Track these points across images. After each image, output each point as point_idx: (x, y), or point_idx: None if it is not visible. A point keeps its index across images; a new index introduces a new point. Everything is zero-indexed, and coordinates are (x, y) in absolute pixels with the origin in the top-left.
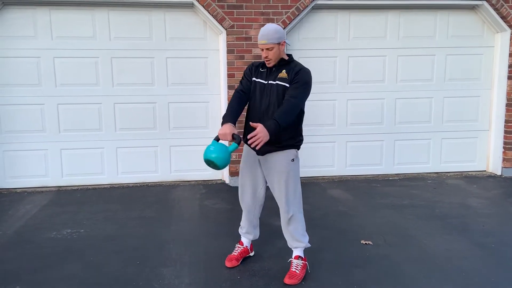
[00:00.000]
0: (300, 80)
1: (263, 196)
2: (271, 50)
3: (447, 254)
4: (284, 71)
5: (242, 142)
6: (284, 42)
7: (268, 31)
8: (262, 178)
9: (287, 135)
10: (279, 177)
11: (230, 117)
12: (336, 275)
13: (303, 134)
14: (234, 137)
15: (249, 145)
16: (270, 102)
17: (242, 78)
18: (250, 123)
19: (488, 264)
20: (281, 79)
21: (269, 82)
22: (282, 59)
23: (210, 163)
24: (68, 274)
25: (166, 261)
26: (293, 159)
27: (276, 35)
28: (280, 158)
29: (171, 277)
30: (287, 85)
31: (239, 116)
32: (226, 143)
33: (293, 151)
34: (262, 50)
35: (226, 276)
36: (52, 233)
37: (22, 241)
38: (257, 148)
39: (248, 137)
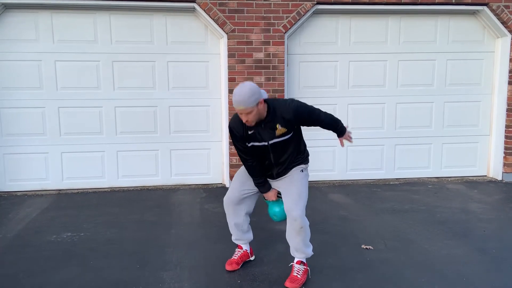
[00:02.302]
0: (302, 114)
1: (253, 205)
2: (250, 113)
3: (447, 259)
4: (278, 125)
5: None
6: (262, 100)
7: (243, 97)
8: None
9: (294, 158)
10: (289, 183)
11: (268, 184)
12: (336, 280)
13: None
14: (279, 196)
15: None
16: (285, 154)
17: (236, 146)
18: (340, 142)
19: (489, 270)
20: (282, 135)
21: (270, 142)
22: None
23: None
24: (68, 277)
25: (166, 265)
26: (302, 170)
27: (252, 98)
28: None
29: (171, 281)
30: (291, 132)
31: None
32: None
33: (302, 165)
34: (241, 114)
35: (226, 281)
36: (52, 236)
37: (22, 244)
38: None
39: (348, 137)
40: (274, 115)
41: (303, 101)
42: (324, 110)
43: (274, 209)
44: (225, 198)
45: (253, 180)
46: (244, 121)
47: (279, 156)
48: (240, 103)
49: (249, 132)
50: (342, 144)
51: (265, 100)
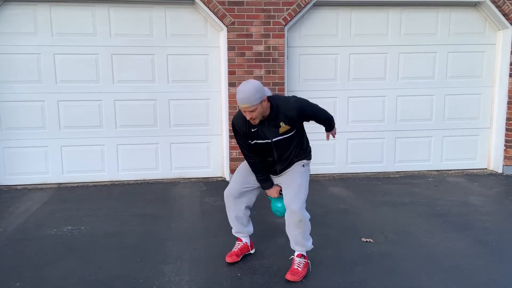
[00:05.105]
0: (305, 112)
1: (253, 198)
2: (254, 111)
3: (448, 252)
4: (282, 123)
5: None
6: (266, 98)
7: (247, 94)
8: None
9: (296, 153)
10: (290, 177)
11: (271, 180)
12: (336, 272)
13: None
14: (281, 193)
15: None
16: (288, 150)
17: (239, 143)
18: (326, 136)
19: (489, 262)
20: (285, 132)
21: (274, 140)
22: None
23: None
24: (69, 271)
25: (167, 258)
26: (303, 165)
27: (257, 96)
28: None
29: (171, 274)
30: (294, 130)
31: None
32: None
33: (304, 160)
34: (245, 111)
35: (226, 274)
36: (53, 230)
37: (22, 238)
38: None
39: (334, 133)
40: (277, 112)
41: (303, 94)
42: (321, 106)
43: (277, 205)
44: (226, 191)
45: (256, 176)
46: (248, 118)
47: (282, 153)
48: (245, 101)
49: (252, 130)
50: (328, 138)
51: (268, 98)
